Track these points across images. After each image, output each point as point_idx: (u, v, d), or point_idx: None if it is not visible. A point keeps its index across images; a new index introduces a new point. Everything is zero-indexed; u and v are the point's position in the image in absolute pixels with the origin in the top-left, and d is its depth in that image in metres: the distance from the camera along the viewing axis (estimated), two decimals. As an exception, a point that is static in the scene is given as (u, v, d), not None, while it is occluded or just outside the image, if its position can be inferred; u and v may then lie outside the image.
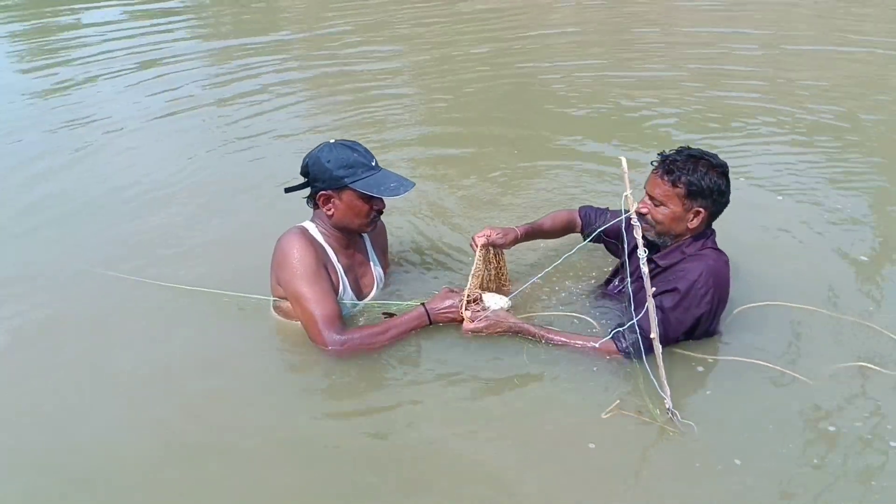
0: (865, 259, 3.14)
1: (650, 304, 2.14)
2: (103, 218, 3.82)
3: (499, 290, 2.68)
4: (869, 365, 2.41)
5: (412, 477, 2.13)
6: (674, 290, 2.31)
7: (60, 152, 4.77)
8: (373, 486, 2.09)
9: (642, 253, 2.14)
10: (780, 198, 3.78)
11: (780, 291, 2.81)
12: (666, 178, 2.32)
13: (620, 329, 2.35)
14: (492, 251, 2.63)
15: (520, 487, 2.06)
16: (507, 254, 2.78)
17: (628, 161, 2.21)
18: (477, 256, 2.56)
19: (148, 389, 2.48)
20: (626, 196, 2.14)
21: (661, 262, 2.44)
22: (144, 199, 4.00)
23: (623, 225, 2.23)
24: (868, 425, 2.19)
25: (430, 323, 2.51)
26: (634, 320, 2.24)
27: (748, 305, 2.69)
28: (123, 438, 2.30)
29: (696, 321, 2.35)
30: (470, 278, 2.52)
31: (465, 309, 2.47)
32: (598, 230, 2.47)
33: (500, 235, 2.62)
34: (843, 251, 3.20)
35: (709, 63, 6.46)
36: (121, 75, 6.66)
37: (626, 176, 2.13)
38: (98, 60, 7.18)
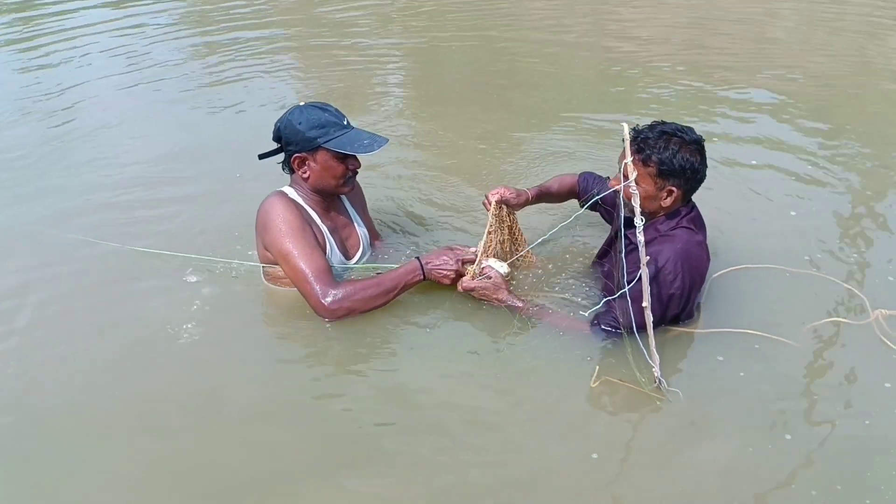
0: (841, 220, 3.24)
1: (643, 272, 2.12)
2: (90, 187, 3.72)
3: (513, 250, 2.67)
4: (842, 319, 2.50)
5: (401, 436, 2.14)
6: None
7: (38, 122, 4.67)
8: (361, 444, 2.09)
9: (639, 221, 2.11)
10: (754, 161, 3.83)
11: (754, 255, 2.87)
12: (636, 156, 2.23)
13: (599, 311, 2.34)
14: (504, 209, 2.59)
15: (510, 441, 2.09)
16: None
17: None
18: (491, 214, 2.54)
19: (132, 357, 2.44)
20: (626, 163, 2.09)
21: (633, 239, 2.37)
22: (128, 169, 3.93)
23: (620, 194, 2.19)
24: (851, 381, 2.27)
25: (425, 278, 2.47)
26: (612, 298, 2.24)
27: (724, 271, 2.73)
28: (108, 406, 2.26)
29: (665, 306, 2.31)
30: (484, 236, 2.50)
31: (477, 265, 2.45)
32: (595, 198, 2.43)
33: (513, 195, 2.59)
34: (818, 214, 3.28)
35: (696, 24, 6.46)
36: (97, 44, 6.50)
37: (627, 142, 2.08)
38: (77, 35, 6.90)
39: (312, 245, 2.40)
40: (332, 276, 2.42)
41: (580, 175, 2.85)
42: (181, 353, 2.44)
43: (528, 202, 2.69)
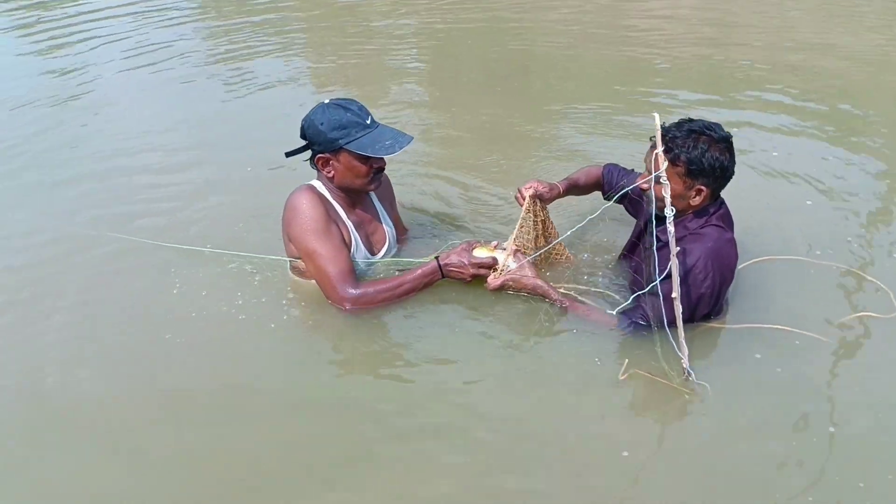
0: (868, 213, 3.18)
1: (673, 262, 2.09)
2: (110, 180, 3.74)
3: (546, 245, 2.63)
4: (871, 314, 2.46)
5: (425, 432, 2.12)
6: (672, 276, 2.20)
7: (57, 111, 4.69)
8: (385, 442, 2.08)
9: (670, 211, 2.07)
10: (776, 154, 3.78)
11: (775, 245, 2.83)
12: (664, 155, 2.17)
13: (628, 306, 2.30)
14: (538, 203, 2.56)
15: (535, 438, 2.07)
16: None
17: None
18: (525, 207, 2.51)
19: (157, 348, 2.45)
20: (657, 154, 2.06)
21: (662, 237, 2.33)
22: (149, 160, 3.93)
23: (651, 184, 2.15)
24: (884, 380, 2.23)
25: (443, 277, 2.46)
26: (642, 292, 2.21)
27: (747, 263, 2.69)
28: (131, 396, 2.27)
29: (695, 305, 2.27)
30: (515, 230, 2.48)
31: (504, 264, 2.42)
32: (624, 190, 2.37)
33: (545, 188, 2.57)
34: (846, 205, 3.23)
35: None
36: (115, 34, 6.53)
37: (658, 133, 2.05)
38: (92, 20, 6.98)
39: (337, 245, 2.40)
40: (353, 277, 2.43)
41: (605, 167, 2.82)
42: (206, 347, 2.44)
43: (559, 195, 2.66)
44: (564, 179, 2.73)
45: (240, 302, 2.60)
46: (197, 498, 1.94)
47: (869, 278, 2.66)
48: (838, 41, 5.88)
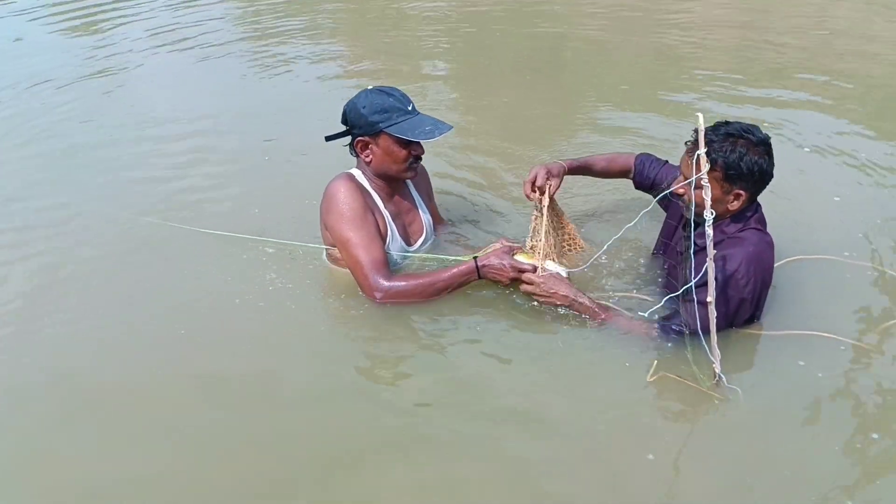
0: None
1: (710, 265, 2.06)
2: (144, 165, 3.77)
3: (562, 239, 2.60)
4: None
5: (453, 425, 2.12)
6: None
7: (90, 95, 4.72)
8: (411, 432, 2.10)
9: (709, 215, 2.03)
10: (807, 149, 3.72)
11: (813, 246, 2.79)
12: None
13: (667, 319, 2.29)
14: (547, 198, 2.47)
15: (560, 440, 2.06)
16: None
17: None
18: (534, 207, 2.47)
19: (188, 333, 2.48)
20: (699, 155, 2.01)
21: (699, 242, 2.26)
22: (185, 146, 3.93)
23: (692, 187, 2.11)
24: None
25: (480, 278, 2.43)
26: (676, 295, 2.18)
27: (778, 263, 2.60)
28: (163, 380, 2.30)
29: (735, 311, 2.24)
30: (531, 230, 2.44)
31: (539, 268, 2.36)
32: (665, 192, 2.29)
33: (556, 178, 2.51)
34: (881, 206, 3.15)
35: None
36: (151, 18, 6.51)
37: (701, 133, 2.00)
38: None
39: (372, 235, 2.40)
40: (387, 268, 2.42)
41: (638, 156, 2.76)
42: (237, 334, 2.47)
43: (565, 174, 2.59)
44: (574, 159, 2.67)
45: (271, 288, 2.62)
46: (229, 480, 1.97)
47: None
48: (880, 32, 5.73)
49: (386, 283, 2.37)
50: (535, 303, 2.42)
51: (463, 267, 2.42)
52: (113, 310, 2.61)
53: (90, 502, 1.94)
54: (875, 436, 2.01)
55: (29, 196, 3.44)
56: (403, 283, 2.40)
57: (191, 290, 2.69)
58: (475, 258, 2.42)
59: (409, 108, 2.42)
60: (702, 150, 2.01)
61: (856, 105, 4.30)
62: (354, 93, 2.47)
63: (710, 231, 2.05)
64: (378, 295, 2.38)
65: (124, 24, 6.44)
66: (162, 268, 2.84)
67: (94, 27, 6.32)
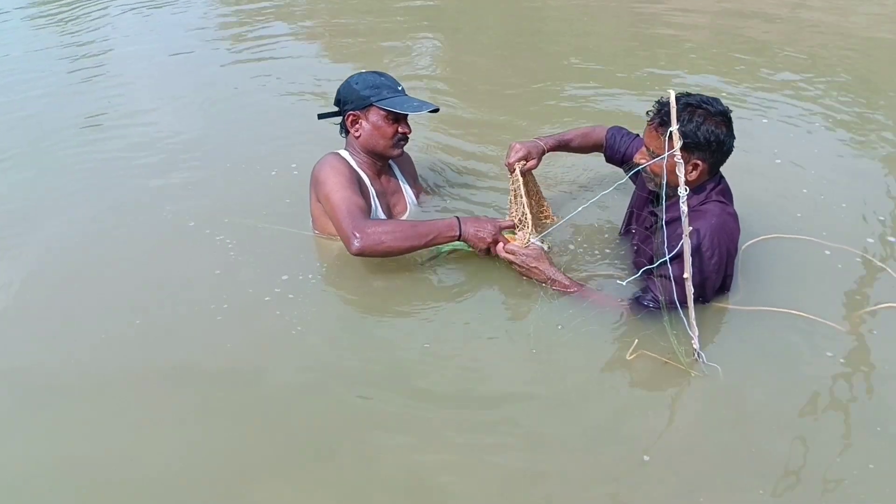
0: (876, 194, 3.12)
1: (685, 242, 2.06)
2: (153, 152, 3.73)
3: (538, 213, 2.66)
4: (890, 305, 2.41)
5: (436, 401, 2.12)
6: (679, 257, 2.14)
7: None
8: (388, 422, 2.07)
9: (683, 192, 2.04)
10: (783, 128, 3.74)
11: (782, 223, 2.80)
12: (661, 129, 2.14)
13: (638, 294, 2.31)
14: (518, 169, 2.53)
15: (539, 418, 2.06)
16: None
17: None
18: (512, 180, 2.52)
19: (178, 326, 2.46)
20: (671, 132, 2.01)
21: (666, 216, 2.28)
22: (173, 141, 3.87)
23: (664, 165, 2.11)
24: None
25: (460, 237, 2.42)
26: (649, 269, 2.19)
27: (753, 241, 2.66)
28: (152, 373, 2.27)
29: (702, 283, 2.24)
30: (522, 203, 2.45)
31: (525, 235, 2.40)
32: (640, 167, 2.30)
33: (535, 156, 2.58)
34: (855, 188, 3.17)
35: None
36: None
37: (673, 110, 2.00)
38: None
39: (356, 191, 2.47)
40: (368, 216, 2.44)
41: (608, 130, 2.77)
42: (239, 326, 2.44)
43: (544, 153, 2.65)
44: (550, 137, 2.70)
45: (259, 275, 2.62)
46: (232, 466, 1.95)
47: (878, 264, 2.61)
48: (856, 6, 5.76)
49: (365, 224, 2.35)
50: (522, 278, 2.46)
51: (447, 220, 2.43)
52: (106, 302, 2.58)
53: (87, 494, 1.91)
54: (854, 408, 2.04)
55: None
56: (385, 225, 2.39)
57: (167, 273, 2.68)
58: (457, 217, 2.45)
59: (399, 89, 2.57)
60: (674, 127, 2.02)
61: (833, 86, 4.32)
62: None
63: (685, 208, 2.06)
64: (357, 237, 2.32)
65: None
66: (137, 253, 2.84)
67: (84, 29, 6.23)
